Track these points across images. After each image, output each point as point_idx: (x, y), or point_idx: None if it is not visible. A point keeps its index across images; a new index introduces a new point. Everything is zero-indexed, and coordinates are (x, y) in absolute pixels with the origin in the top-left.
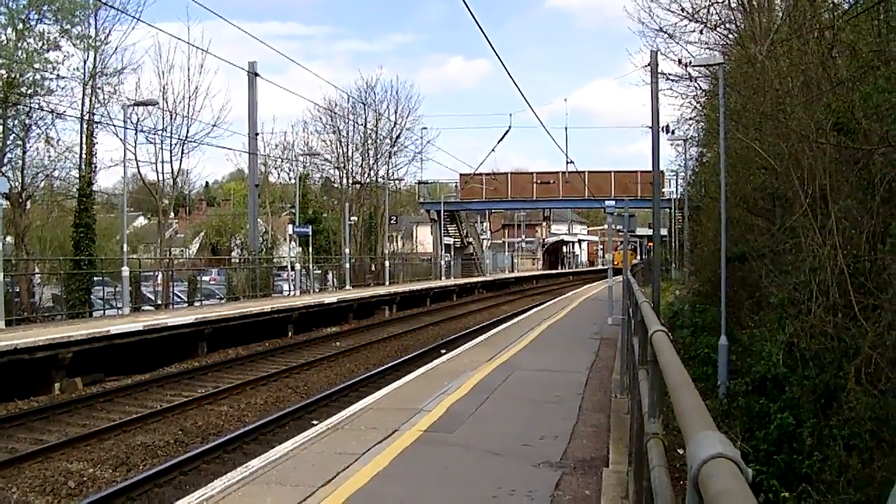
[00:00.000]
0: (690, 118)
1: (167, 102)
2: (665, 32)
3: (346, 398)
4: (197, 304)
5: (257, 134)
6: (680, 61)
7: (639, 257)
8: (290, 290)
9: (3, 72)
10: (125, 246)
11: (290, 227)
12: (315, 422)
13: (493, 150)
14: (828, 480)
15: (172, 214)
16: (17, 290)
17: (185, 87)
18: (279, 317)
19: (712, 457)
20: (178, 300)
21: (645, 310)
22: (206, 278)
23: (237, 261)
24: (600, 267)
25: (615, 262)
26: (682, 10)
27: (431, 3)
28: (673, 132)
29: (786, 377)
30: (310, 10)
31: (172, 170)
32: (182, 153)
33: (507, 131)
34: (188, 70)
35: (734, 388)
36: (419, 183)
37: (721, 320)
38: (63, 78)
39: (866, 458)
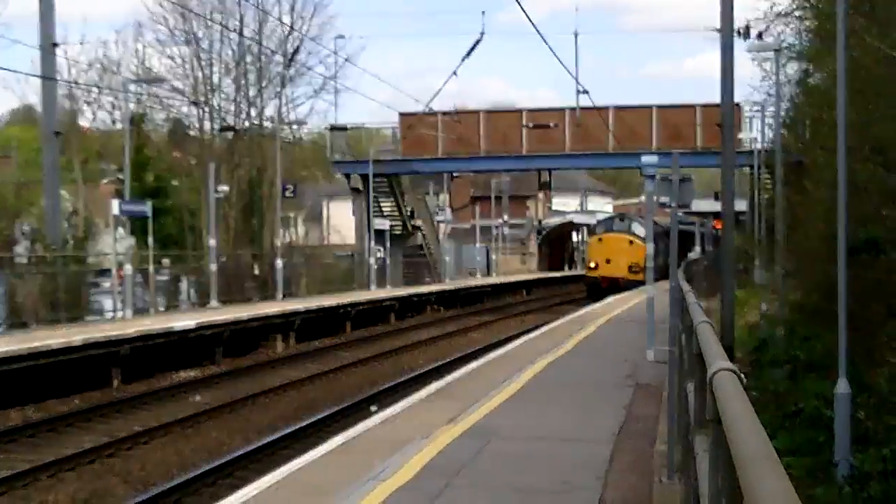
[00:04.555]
0: (786, 13)
1: None
2: None
3: (210, 489)
4: None
5: (56, 45)
6: None
7: (698, 248)
8: (115, 310)
9: None
10: None
11: (116, 202)
12: None
13: (454, 72)
14: None
15: None
16: None
17: None
18: (97, 354)
19: None
20: None
21: (703, 335)
22: None
23: (25, 261)
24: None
25: (592, 265)
26: None
27: None
28: (759, 36)
29: None
30: None
31: None
32: None
33: (479, 41)
34: None
35: (863, 465)
36: (332, 129)
37: (840, 352)
38: None
39: None
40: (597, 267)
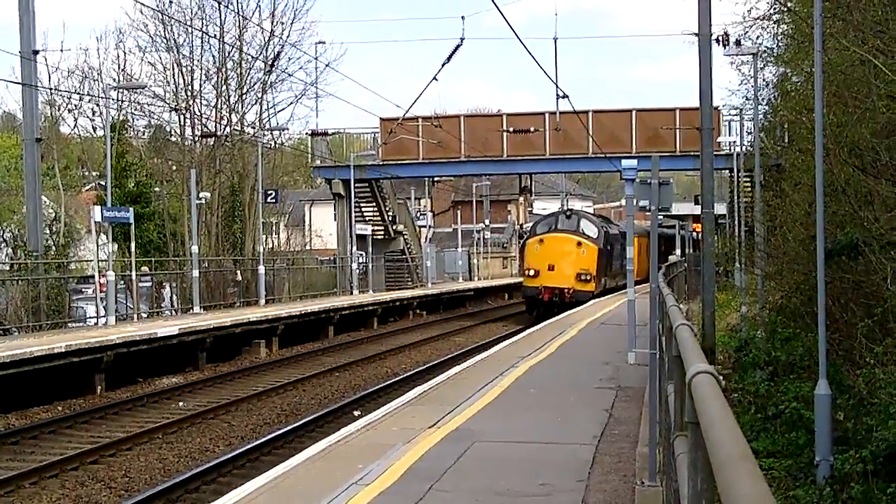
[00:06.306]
0: (763, 17)
1: None
2: None
3: (194, 495)
4: None
5: (37, 52)
6: None
7: (679, 252)
8: (98, 317)
9: None
10: None
11: (98, 209)
12: None
13: (434, 77)
14: None
15: None
16: None
17: None
18: (80, 361)
19: None
20: None
21: (682, 338)
22: None
23: (7, 268)
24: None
25: (531, 273)
26: None
27: None
28: (737, 43)
29: None
30: None
31: None
32: None
33: (459, 46)
34: None
35: (843, 466)
36: (313, 134)
37: (819, 354)
38: None
39: None
40: (537, 275)
